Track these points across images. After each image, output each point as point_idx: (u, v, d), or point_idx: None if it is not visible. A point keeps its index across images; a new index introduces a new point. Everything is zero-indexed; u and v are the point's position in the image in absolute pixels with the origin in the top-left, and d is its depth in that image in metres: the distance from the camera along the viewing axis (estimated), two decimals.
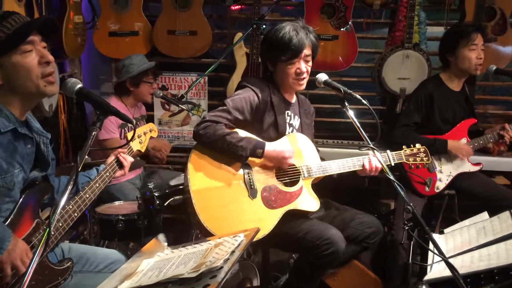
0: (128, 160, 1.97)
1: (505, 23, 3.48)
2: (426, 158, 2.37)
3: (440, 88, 2.95)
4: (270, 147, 2.16)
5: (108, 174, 1.86)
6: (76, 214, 1.68)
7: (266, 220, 2.12)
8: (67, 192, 1.31)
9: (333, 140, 3.62)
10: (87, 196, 1.74)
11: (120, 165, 1.95)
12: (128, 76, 3.08)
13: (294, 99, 2.41)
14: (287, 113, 2.33)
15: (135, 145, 2.09)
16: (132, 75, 3.08)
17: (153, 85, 3.21)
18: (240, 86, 2.32)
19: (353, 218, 2.30)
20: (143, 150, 2.16)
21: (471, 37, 2.81)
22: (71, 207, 1.68)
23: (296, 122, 2.38)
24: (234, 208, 2.11)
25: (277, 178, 2.23)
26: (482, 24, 2.94)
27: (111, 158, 1.95)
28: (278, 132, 2.28)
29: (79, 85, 1.56)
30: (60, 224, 1.63)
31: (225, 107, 2.18)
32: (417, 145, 2.39)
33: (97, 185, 1.79)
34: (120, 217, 2.55)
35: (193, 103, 3.84)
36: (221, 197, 2.12)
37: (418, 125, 2.93)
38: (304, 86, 2.28)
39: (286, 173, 2.23)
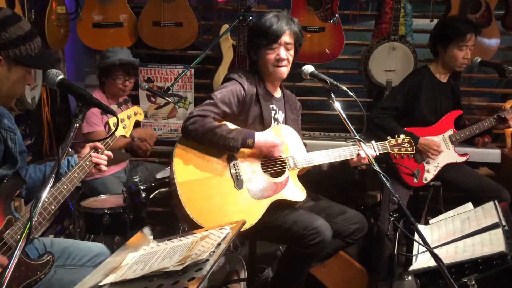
0: (102, 158, 1.86)
1: (490, 16, 3.51)
2: (411, 149, 2.38)
3: (429, 78, 2.98)
4: (260, 136, 2.16)
5: (88, 163, 1.79)
6: (53, 207, 1.62)
7: (253, 211, 2.12)
8: (49, 185, 1.28)
9: (320, 133, 3.62)
10: (65, 187, 1.67)
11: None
12: (98, 67, 3.06)
13: (279, 94, 2.41)
14: (272, 107, 2.33)
15: (119, 131, 2.03)
16: (99, 67, 3.05)
17: (124, 82, 3.11)
18: (226, 79, 2.31)
19: (339, 213, 2.30)
20: (127, 135, 2.10)
21: (465, 38, 2.83)
22: (46, 199, 1.61)
23: (280, 116, 2.38)
24: (220, 200, 2.10)
25: (263, 169, 2.22)
26: (479, 26, 2.95)
27: (87, 150, 1.86)
28: (263, 125, 2.28)
29: (60, 76, 1.53)
30: (36, 219, 1.54)
31: (212, 101, 2.17)
32: (402, 136, 2.40)
33: (76, 175, 1.72)
34: (106, 211, 2.53)
35: (180, 96, 3.80)
36: (207, 188, 2.11)
37: (397, 110, 2.95)
38: (285, 75, 2.27)
39: (272, 164, 2.23)
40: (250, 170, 2.20)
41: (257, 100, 2.26)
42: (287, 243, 2.25)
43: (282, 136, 2.29)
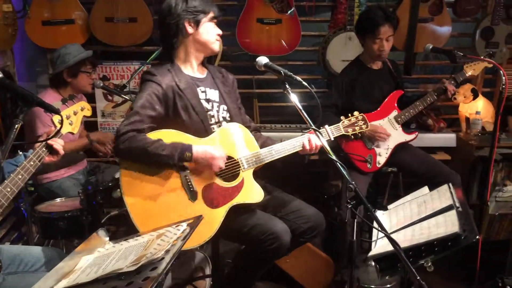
0: (58, 142, 1.80)
1: (441, 3, 3.59)
2: (365, 126, 2.35)
3: (362, 71, 3.00)
4: (199, 148, 2.03)
5: (32, 163, 1.70)
6: None
7: (211, 221, 2.04)
8: None
9: (282, 125, 3.62)
10: (8, 190, 1.59)
11: (50, 150, 1.79)
12: (64, 66, 2.93)
13: (204, 74, 2.30)
14: (200, 89, 2.23)
15: (65, 128, 1.95)
16: (68, 65, 2.93)
17: (92, 75, 3.06)
18: (141, 82, 2.21)
19: (294, 209, 2.24)
20: (75, 132, 2.02)
21: (377, 31, 2.83)
22: None
23: (214, 93, 2.27)
24: (176, 216, 1.99)
25: (216, 175, 2.12)
26: (391, 15, 2.93)
27: (36, 145, 1.78)
28: (197, 113, 2.16)
29: None
30: None
31: (132, 111, 2.06)
32: (355, 113, 2.37)
33: (20, 176, 1.63)
34: (62, 215, 2.45)
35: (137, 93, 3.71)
36: (160, 206, 2.02)
37: (337, 107, 2.94)
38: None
39: (225, 168, 2.13)
40: (203, 178, 2.09)
41: (179, 90, 2.14)
42: (246, 245, 2.23)
43: (231, 137, 2.18)
